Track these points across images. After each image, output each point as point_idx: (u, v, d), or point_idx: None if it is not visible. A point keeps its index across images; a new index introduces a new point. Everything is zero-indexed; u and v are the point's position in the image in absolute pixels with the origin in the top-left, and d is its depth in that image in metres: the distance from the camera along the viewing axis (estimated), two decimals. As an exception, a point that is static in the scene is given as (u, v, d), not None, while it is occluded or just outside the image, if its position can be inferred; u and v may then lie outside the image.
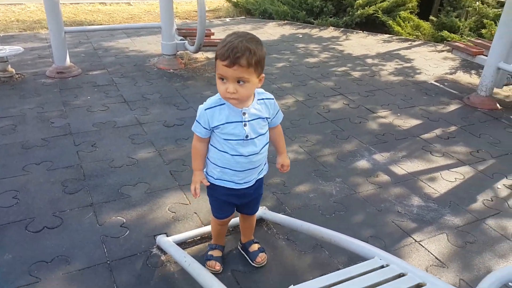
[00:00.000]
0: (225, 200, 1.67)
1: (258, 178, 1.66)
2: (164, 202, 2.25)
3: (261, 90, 1.55)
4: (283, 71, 4.51)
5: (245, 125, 1.49)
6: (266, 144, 1.59)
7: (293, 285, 1.27)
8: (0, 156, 2.63)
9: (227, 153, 1.52)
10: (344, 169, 2.65)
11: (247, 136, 1.50)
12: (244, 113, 1.48)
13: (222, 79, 1.38)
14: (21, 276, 1.73)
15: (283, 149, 1.73)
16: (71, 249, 1.89)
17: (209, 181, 1.62)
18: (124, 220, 2.09)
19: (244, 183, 1.61)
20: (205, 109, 1.49)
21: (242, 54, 1.32)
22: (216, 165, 1.57)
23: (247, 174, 1.59)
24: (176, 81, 4.08)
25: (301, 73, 4.47)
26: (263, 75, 1.44)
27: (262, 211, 2.14)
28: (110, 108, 3.39)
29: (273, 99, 1.58)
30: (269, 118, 1.56)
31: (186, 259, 1.63)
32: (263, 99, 1.54)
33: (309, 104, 3.65)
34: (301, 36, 6.19)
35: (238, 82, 1.37)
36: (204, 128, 1.51)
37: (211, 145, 1.56)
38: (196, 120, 1.53)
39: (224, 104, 1.47)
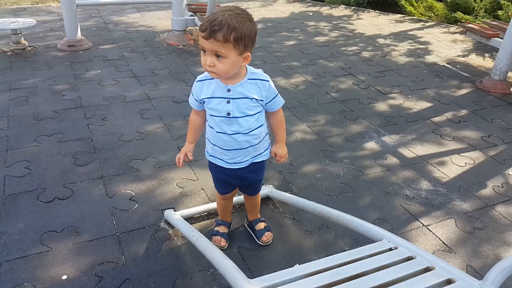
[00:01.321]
0: (220, 178, 1.70)
1: (254, 161, 1.62)
2: (172, 177, 2.27)
3: (258, 70, 1.51)
4: (292, 49, 4.45)
5: (228, 102, 1.46)
6: (258, 127, 1.54)
7: (299, 264, 1.29)
8: (13, 127, 2.67)
9: (213, 129, 1.53)
10: (352, 150, 2.65)
11: (228, 114, 1.47)
12: (229, 90, 1.45)
13: (204, 51, 1.37)
14: (33, 245, 1.79)
15: (280, 138, 1.64)
16: (81, 220, 1.94)
17: (206, 157, 1.66)
18: (133, 194, 2.13)
19: (234, 163, 1.59)
20: (197, 81, 1.52)
21: (220, 29, 1.29)
22: (209, 141, 1.60)
23: (235, 154, 1.56)
24: (185, 57, 4.05)
25: (311, 52, 4.40)
26: (248, 53, 1.39)
27: (269, 189, 2.15)
28: (120, 83, 3.39)
29: (267, 81, 1.49)
30: (261, 100, 1.48)
31: (193, 234, 1.65)
32: (255, 79, 1.48)
33: (318, 83, 3.61)
34: (311, 14, 6.07)
35: (217, 56, 1.34)
36: (195, 100, 1.53)
37: (206, 120, 1.58)
38: (191, 91, 1.55)
39: (213, 79, 1.46)
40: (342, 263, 1.30)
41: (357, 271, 1.25)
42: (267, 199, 2.14)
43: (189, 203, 2.09)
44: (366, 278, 1.23)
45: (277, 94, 1.54)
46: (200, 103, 1.53)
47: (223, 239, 1.83)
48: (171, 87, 3.37)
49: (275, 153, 1.66)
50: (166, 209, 2.01)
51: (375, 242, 1.44)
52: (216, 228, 1.88)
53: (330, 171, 2.42)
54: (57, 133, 2.62)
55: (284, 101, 1.58)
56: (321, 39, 4.88)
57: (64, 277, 1.64)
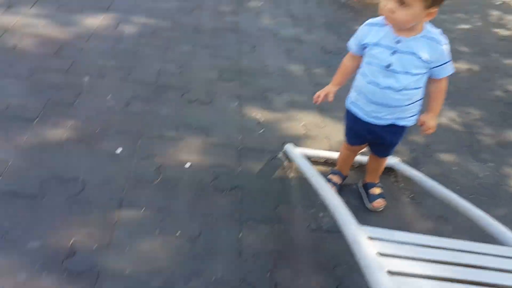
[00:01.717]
0: (353, 129, 1.64)
1: (395, 123, 1.52)
2: (301, 117, 2.27)
3: (436, 30, 1.36)
4: (465, 34, 3.92)
5: (393, 53, 1.37)
6: (415, 89, 1.42)
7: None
8: (176, 30, 2.96)
9: (366, 77, 1.45)
10: (502, 156, 2.29)
11: (388, 66, 1.37)
12: (398, 41, 1.35)
13: None
14: (171, 131, 2.01)
15: (434, 108, 1.51)
16: (213, 125, 2.09)
17: (346, 104, 1.62)
18: (262, 120, 2.20)
19: (373, 118, 1.51)
20: (366, 24, 1.45)
21: None
22: (355, 88, 1.54)
23: (379, 109, 1.48)
24: (345, 11, 3.90)
25: (485, 42, 3.83)
26: (434, 10, 1.25)
27: (396, 161, 2.01)
28: (277, 19, 3.45)
29: (442, 44, 1.36)
30: (429, 62, 1.37)
31: (310, 170, 1.64)
32: (429, 37, 1.35)
33: (484, 76, 3.15)
34: (499, 3, 5.23)
35: (401, 3, 1.24)
36: (356, 43, 1.48)
37: (359, 67, 1.51)
38: (354, 35, 1.49)
39: (384, 26, 1.38)
40: (462, 250, 1.16)
41: (477, 262, 1.10)
42: (390, 170, 2.00)
43: (310, 146, 2.07)
44: (487, 273, 1.07)
45: (449, 61, 1.39)
46: (361, 47, 1.46)
47: (335, 187, 1.79)
48: (323, 36, 3.30)
49: (423, 122, 1.51)
50: (287, 143, 2.03)
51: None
52: (329, 176, 1.84)
53: (468, 169, 2.14)
54: (211, 47, 2.81)
55: (454, 71, 1.43)
56: (503, 32, 4.20)
57: (187, 165, 1.82)
